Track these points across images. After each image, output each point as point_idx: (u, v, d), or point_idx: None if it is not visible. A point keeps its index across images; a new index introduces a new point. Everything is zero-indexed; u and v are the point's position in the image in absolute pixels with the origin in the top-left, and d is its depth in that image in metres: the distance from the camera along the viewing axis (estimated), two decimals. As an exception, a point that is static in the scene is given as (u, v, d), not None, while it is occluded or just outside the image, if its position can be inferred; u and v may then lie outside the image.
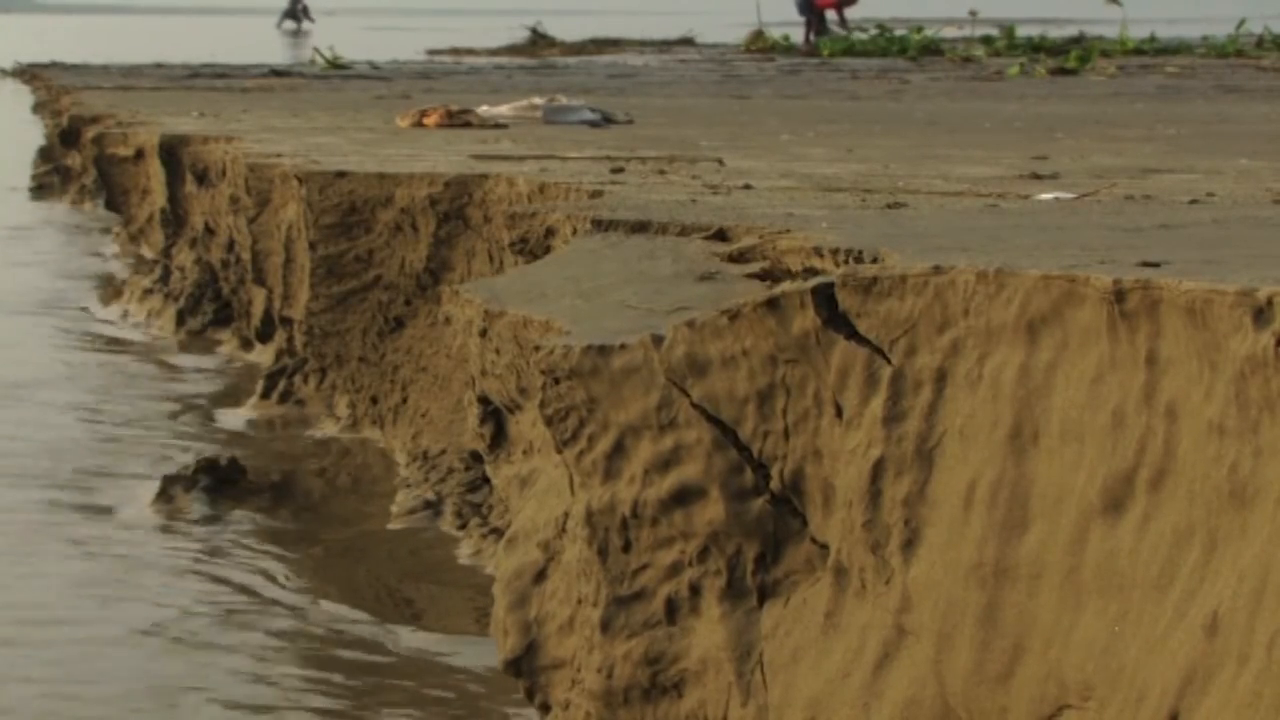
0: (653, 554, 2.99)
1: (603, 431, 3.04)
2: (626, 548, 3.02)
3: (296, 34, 53.40)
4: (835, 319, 2.72)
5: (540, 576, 3.26)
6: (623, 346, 3.00)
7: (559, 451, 3.15)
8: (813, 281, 2.78)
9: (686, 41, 36.68)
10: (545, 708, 3.24)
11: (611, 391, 3.01)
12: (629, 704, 3.03)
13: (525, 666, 3.24)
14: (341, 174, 6.09)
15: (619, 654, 3.03)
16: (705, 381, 2.90)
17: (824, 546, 2.80)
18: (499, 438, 3.60)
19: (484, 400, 3.60)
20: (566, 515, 3.22)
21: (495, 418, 3.60)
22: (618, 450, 3.02)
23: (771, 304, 2.80)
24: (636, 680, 3.01)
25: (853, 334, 2.70)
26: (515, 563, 3.30)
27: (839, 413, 2.72)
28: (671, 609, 2.99)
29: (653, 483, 2.97)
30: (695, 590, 2.95)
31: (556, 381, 3.07)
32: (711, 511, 2.90)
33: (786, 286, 2.82)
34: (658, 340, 2.96)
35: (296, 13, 56.20)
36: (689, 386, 2.92)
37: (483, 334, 3.51)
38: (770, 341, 2.81)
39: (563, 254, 4.14)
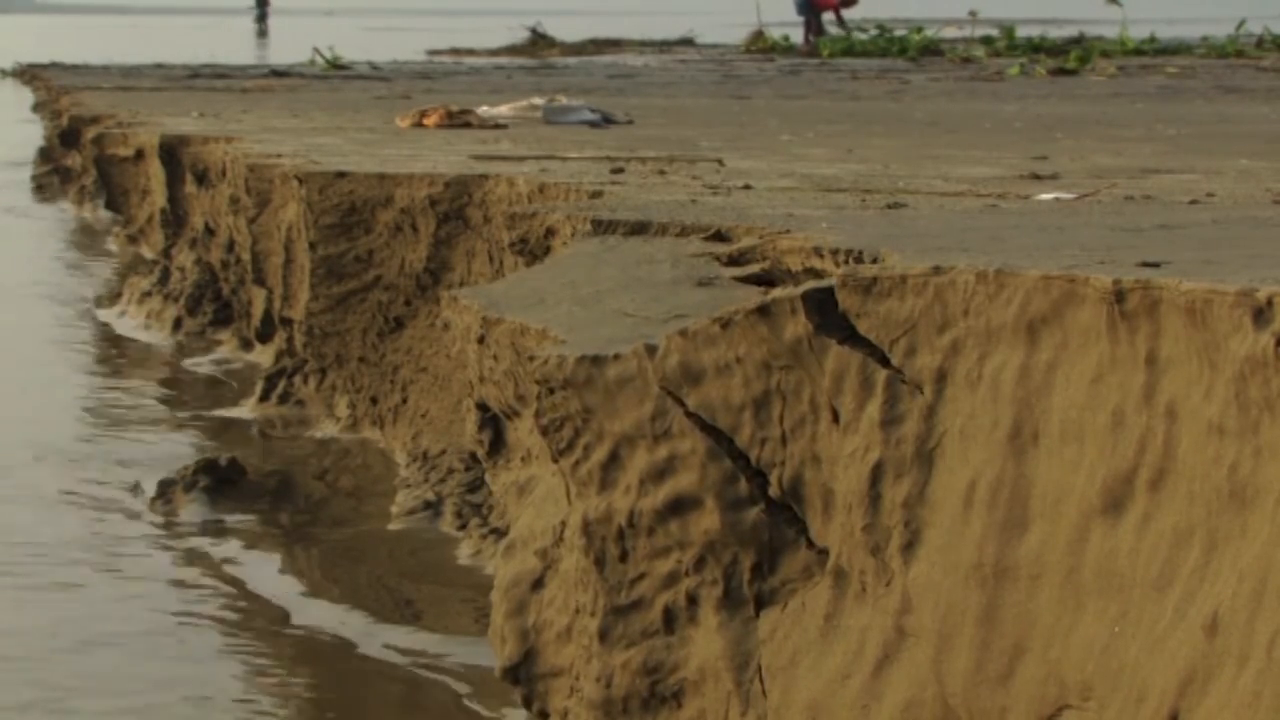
0: (650, 563, 2.99)
1: (598, 441, 3.03)
2: (623, 557, 3.01)
3: (262, 31, 53.81)
4: (827, 324, 2.72)
5: (538, 584, 3.26)
6: (617, 356, 3.00)
7: (555, 461, 3.14)
8: (803, 287, 2.77)
9: (686, 42, 36.65)
10: (543, 715, 3.23)
11: (606, 401, 3.01)
12: (628, 713, 3.03)
13: (523, 674, 3.24)
14: (341, 174, 6.09)
15: (617, 663, 3.02)
16: (700, 390, 2.90)
17: (822, 552, 2.80)
18: (497, 444, 3.60)
19: (482, 406, 3.59)
20: (564, 524, 3.22)
21: (493, 424, 3.59)
22: (613, 460, 3.02)
23: (763, 311, 2.79)
24: (635, 689, 3.01)
25: (846, 338, 2.69)
26: (513, 570, 3.29)
27: (835, 417, 2.72)
28: (669, 618, 2.98)
29: (648, 492, 2.96)
30: (693, 600, 2.95)
31: (551, 391, 3.06)
32: (707, 521, 2.90)
33: (777, 293, 2.82)
34: (651, 349, 2.95)
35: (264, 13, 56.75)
36: (684, 395, 2.91)
37: (480, 340, 3.50)
38: (763, 348, 2.81)
39: (561, 257, 4.13)
